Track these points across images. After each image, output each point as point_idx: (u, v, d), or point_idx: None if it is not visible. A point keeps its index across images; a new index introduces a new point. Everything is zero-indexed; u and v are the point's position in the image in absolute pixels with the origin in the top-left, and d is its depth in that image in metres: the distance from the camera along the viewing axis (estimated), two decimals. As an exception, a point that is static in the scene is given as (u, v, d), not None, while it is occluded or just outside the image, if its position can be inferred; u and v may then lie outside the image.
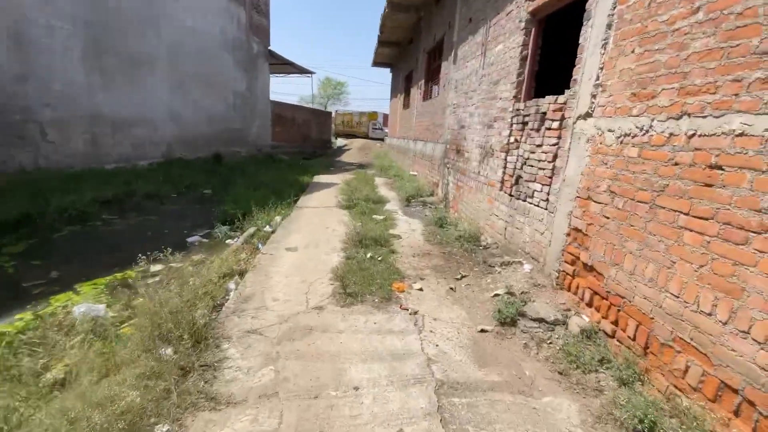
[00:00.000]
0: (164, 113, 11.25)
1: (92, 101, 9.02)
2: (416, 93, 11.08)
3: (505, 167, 4.52)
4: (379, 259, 4.11)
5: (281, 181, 9.58)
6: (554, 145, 3.47)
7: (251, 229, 5.24)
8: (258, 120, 15.73)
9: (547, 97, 3.64)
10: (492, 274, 3.79)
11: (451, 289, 3.51)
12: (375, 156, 19.32)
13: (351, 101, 66.15)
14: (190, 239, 5.12)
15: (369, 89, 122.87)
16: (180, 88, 11.68)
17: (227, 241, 5.13)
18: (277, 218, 5.96)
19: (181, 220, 6.15)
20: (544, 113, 3.67)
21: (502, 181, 4.56)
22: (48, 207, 5.72)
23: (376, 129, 32.35)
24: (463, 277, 3.76)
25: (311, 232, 5.24)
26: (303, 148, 19.45)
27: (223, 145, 13.90)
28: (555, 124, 3.47)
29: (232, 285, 3.46)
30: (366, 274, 3.60)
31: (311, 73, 20.02)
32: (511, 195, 4.32)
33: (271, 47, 15.98)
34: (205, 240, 5.18)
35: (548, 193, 3.54)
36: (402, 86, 14.54)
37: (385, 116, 34.24)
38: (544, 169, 3.62)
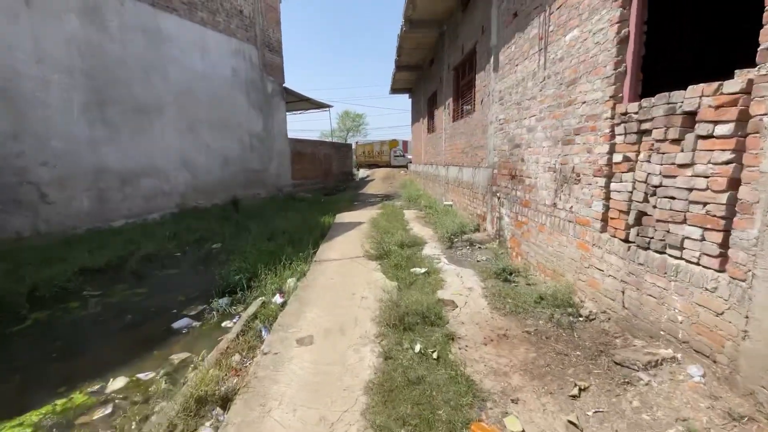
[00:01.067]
0: (175, 161, 10.59)
1: (96, 155, 8.39)
2: (443, 114, 9.89)
3: (607, 198, 3.06)
4: (434, 355, 2.69)
5: (300, 226, 8.46)
6: (728, 163, 2.03)
7: (255, 304, 3.97)
8: (276, 159, 15.04)
9: (695, 86, 2.23)
10: (631, 383, 2.26)
11: (572, 424, 2.02)
12: (400, 185, 18.16)
13: (371, 131, 66.88)
14: (177, 324, 3.92)
15: (389, 117, 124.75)
16: (191, 133, 11.07)
17: (224, 324, 3.88)
18: (291, 281, 4.69)
19: (177, 291, 5.01)
20: (691, 113, 2.26)
21: (605, 219, 3.10)
22: (20, 286, 4.75)
23: (397, 156, 31.49)
24: (582, 391, 2.26)
25: (333, 304, 3.90)
26: (325, 183, 18.62)
27: (241, 188, 13.15)
28: (726, 129, 2.03)
29: (207, 431, 2.14)
30: (421, 398, 2.19)
31: (328, 106, 19.49)
32: (628, 241, 2.84)
33: (286, 84, 15.52)
34: (196, 323, 3.96)
35: (726, 245, 2.06)
36: (425, 110, 13.46)
37: (405, 143, 33.47)
38: (706, 203, 2.16)
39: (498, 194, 5.74)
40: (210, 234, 8.40)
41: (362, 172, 26.07)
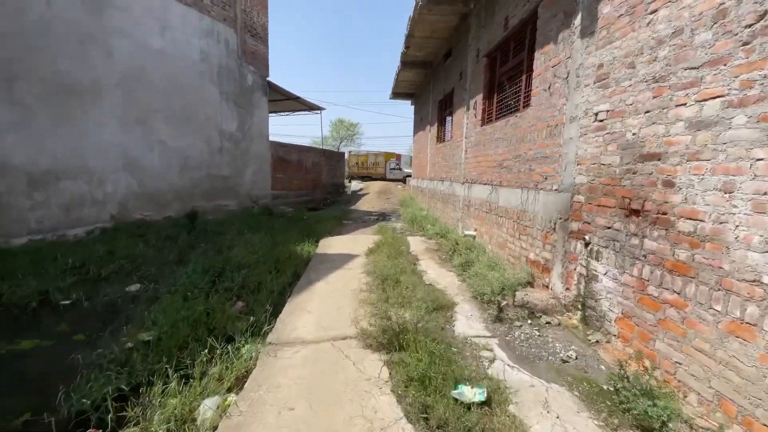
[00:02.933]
0: (114, 160, 8.10)
1: (-15, 146, 5.93)
2: (463, 118, 7.67)
3: None
4: None
5: (265, 257, 6.01)
6: None
7: None
8: (253, 165, 12.60)
9: None
10: None
11: None
12: (398, 202, 15.84)
13: (366, 141, 64.80)
14: None
15: (386, 127, 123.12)
16: (140, 126, 8.62)
17: None
18: (205, 408, 2.26)
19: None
20: None
21: None
22: None
23: (393, 169, 29.35)
24: None
25: None
26: (312, 196, 16.21)
27: (204, 198, 10.65)
28: None
29: None
30: None
31: (320, 109, 17.23)
32: None
33: (271, 78, 13.22)
34: None
35: None
36: (433, 115, 11.26)
37: (398, 156, 31.40)
38: None
39: (587, 237, 3.43)
40: (137, 264, 5.88)
41: (355, 185, 23.76)
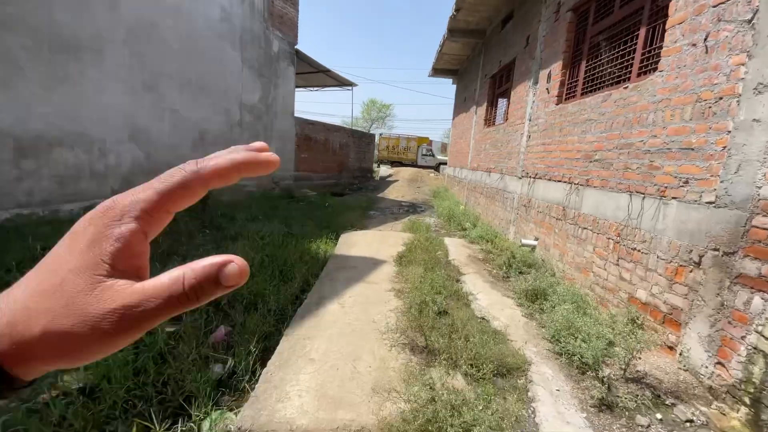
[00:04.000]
0: (118, 128, 7.18)
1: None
2: (528, 94, 6.11)
3: None
4: None
5: (273, 256, 4.85)
6: None
7: None
8: (276, 142, 11.50)
9: None
10: None
11: None
12: (431, 192, 14.37)
13: (398, 124, 62.60)
14: None
15: (420, 109, 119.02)
16: (149, 92, 7.63)
17: None
18: None
19: None
20: None
21: None
22: None
23: (426, 155, 27.66)
24: None
25: None
26: (338, 179, 15.03)
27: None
28: None
29: None
30: None
31: (352, 85, 15.83)
32: None
33: (300, 47, 11.94)
34: None
35: None
36: (483, 94, 9.62)
37: (430, 142, 29.63)
38: None
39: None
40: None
41: (383, 170, 22.37)
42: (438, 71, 14.38)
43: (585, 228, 4.05)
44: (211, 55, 8.94)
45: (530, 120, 5.96)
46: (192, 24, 8.37)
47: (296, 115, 12.60)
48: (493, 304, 3.81)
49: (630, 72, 3.67)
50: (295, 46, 11.73)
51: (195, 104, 8.70)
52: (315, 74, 14.47)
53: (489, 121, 9.12)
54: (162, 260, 4.82)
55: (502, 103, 8.43)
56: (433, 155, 27.54)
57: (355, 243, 6.08)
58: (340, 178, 15.34)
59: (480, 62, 10.21)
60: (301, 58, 12.31)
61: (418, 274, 4.31)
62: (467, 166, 10.77)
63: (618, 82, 3.86)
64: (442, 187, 14.42)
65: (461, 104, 13.06)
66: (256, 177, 10.62)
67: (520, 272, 4.71)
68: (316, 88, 17.12)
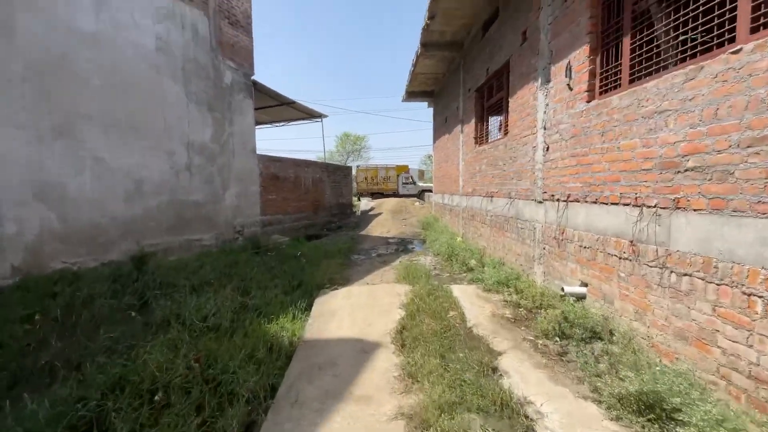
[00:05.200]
0: (18, 186, 5.49)
1: None
2: (536, 97, 4.87)
3: None
4: None
5: (212, 351, 3.16)
6: None
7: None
8: (236, 185, 9.91)
9: None
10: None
11: None
12: (421, 224, 12.92)
13: (374, 155, 62.05)
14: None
15: (393, 138, 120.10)
16: (62, 138, 6.02)
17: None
18: None
19: None
20: None
21: None
22: None
23: (407, 184, 26.57)
24: None
25: None
26: (314, 219, 13.42)
27: (169, 232, 7.94)
28: None
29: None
30: None
31: (321, 116, 14.62)
32: None
33: (257, 78, 10.67)
34: None
35: None
36: (469, 110, 8.48)
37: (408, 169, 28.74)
38: None
39: None
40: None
41: (364, 203, 20.96)
42: (412, 94, 13.40)
43: (686, 274, 2.60)
44: (146, 90, 7.46)
45: (545, 128, 4.66)
46: (117, 55, 6.92)
47: (262, 153, 11.14)
48: (573, 425, 2.23)
49: (730, 29, 2.36)
50: (252, 77, 10.45)
51: (126, 149, 7.10)
52: (279, 107, 13.20)
53: (480, 138, 7.88)
54: (40, 376, 3.11)
55: (494, 116, 7.23)
56: (414, 183, 26.48)
57: (334, 312, 4.42)
58: (316, 218, 13.74)
59: (460, 78, 9.15)
60: (260, 89, 11.02)
61: (432, 370, 2.71)
62: (458, 192, 9.43)
63: (703, 52, 2.56)
64: (430, 217, 13.03)
65: (441, 126, 11.96)
66: (212, 227, 8.92)
67: (582, 341, 3.18)
68: (282, 123, 15.83)
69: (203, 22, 8.80)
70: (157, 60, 7.69)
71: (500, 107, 6.76)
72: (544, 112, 4.68)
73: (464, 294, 4.93)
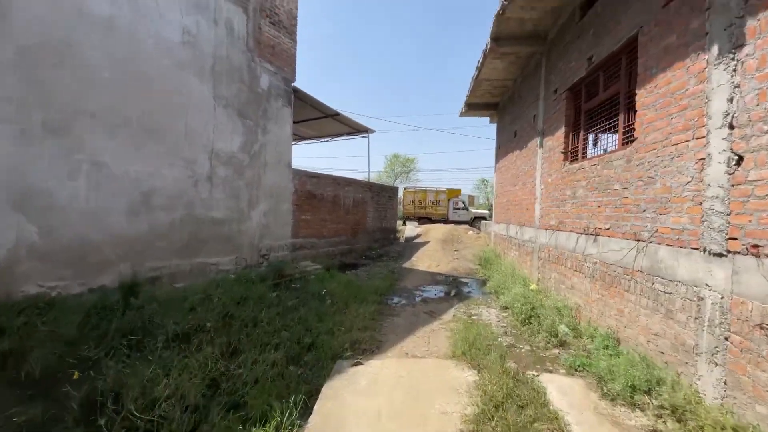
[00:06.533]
0: (-13, 192, 4.50)
1: None
2: (720, 74, 2.83)
3: None
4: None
5: None
6: None
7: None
8: (265, 202, 8.66)
9: None
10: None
11: None
12: (477, 258, 10.80)
13: (423, 177, 60.07)
14: None
15: (445, 159, 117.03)
16: (55, 137, 5.04)
17: None
18: None
19: None
20: None
21: None
22: None
23: (458, 209, 24.41)
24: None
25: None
26: (352, 244, 11.88)
27: (179, 254, 6.76)
28: None
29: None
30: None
31: (368, 131, 13.32)
32: None
33: (299, 84, 9.58)
34: None
35: None
36: (559, 114, 6.52)
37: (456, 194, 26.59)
38: None
39: None
40: None
41: (410, 229, 19.17)
42: (473, 107, 11.62)
43: None
44: (166, 88, 6.47)
45: (732, 126, 2.63)
46: (135, 46, 5.99)
47: (296, 167, 9.94)
48: None
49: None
50: (293, 83, 9.36)
51: (136, 154, 6.05)
52: (323, 120, 12.08)
53: (573, 153, 5.83)
54: None
55: (596, 125, 5.20)
56: (466, 208, 24.27)
57: (345, 424, 2.62)
58: (355, 243, 12.17)
59: (540, 78, 7.23)
60: (301, 98, 9.92)
61: None
62: (534, 224, 7.31)
63: None
64: (489, 251, 10.87)
65: (509, 142, 9.98)
66: (234, 249, 7.64)
67: None
68: (326, 138, 14.77)
69: (240, 18, 7.85)
70: (182, 55, 6.72)
71: (611, 108, 4.74)
72: (730, 99, 2.66)
73: (571, 402, 2.90)
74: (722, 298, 2.71)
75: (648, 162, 3.66)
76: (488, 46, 7.28)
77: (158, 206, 6.44)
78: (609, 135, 4.89)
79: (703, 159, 2.95)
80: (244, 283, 6.77)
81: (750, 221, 2.51)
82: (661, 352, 3.35)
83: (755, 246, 2.48)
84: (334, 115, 11.40)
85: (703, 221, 2.92)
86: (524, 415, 2.66)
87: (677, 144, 3.26)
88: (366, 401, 2.90)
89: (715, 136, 2.82)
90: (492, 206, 30.20)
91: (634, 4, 3.99)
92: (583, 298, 4.99)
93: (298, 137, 14.96)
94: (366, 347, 4.14)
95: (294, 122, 11.16)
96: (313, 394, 3.11)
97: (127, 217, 6.00)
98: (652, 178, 3.60)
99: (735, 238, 2.63)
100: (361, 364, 3.62)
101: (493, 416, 2.63)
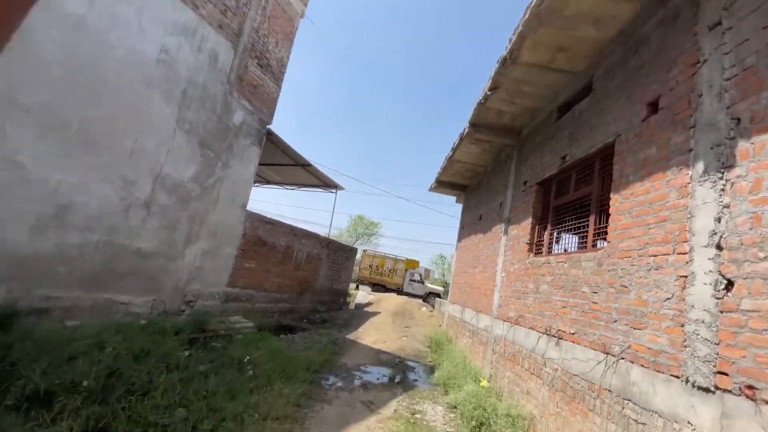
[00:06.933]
0: None
1: None
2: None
3: None
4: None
5: None
6: None
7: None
8: (206, 241, 7.73)
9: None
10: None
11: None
12: (428, 339, 10.07)
13: (383, 241, 60.17)
14: None
15: (409, 229, 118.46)
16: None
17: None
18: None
19: None
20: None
21: None
22: None
23: (414, 281, 23.92)
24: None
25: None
26: (295, 303, 10.80)
27: (81, 285, 5.59)
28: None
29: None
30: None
31: (337, 187, 13.07)
32: None
33: (273, 128, 9.31)
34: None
35: None
36: (526, 206, 6.56)
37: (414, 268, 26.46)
38: None
39: None
40: None
41: (361, 295, 18.22)
42: (442, 185, 11.84)
43: None
44: (123, 100, 5.87)
45: (720, 247, 2.46)
46: (102, 51, 5.50)
47: (257, 210, 9.25)
48: None
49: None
50: (268, 126, 9.08)
51: (65, 162, 5.22)
52: (293, 168, 11.73)
53: (538, 246, 5.71)
54: None
55: (565, 221, 5.16)
56: (422, 282, 23.84)
57: None
58: (299, 302, 11.10)
59: (509, 170, 7.44)
60: (274, 142, 9.60)
61: None
62: (491, 312, 6.93)
63: None
64: (441, 333, 10.22)
65: (473, 224, 10.00)
66: (154, 289, 6.50)
67: None
68: (292, 187, 14.31)
69: (227, 52, 7.69)
70: (153, 72, 6.27)
71: (582, 208, 4.72)
72: (718, 218, 2.54)
73: None
74: (716, 444, 2.29)
75: (621, 269, 3.47)
76: (466, 130, 7.50)
77: (73, 225, 5.45)
78: (577, 233, 4.81)
79: (685, 277, 2.75)
80: (153, 333, 5.59)
81: (744, 356, 2.21)
82: (633, 500, 2.80)
83: (750, 387, 2.15)
84: (305, 165, 11.10)
85: (686, 346, 2.62)
86: None
87: (655, 256, 3.09)
88: None
89: (700, 255, 2.64)
90: (447, 284, 30.05)
91: (613, 112, 4.15)
92: (540, 409, 4.44)
93: (263, 180, 14.39)
94: (281, 445, 3.23)
95: (261, 164, 10.70)
96: None
97: (31, 231, 4.98)
98: (625, 287, 3.37)
99: (725, 373, 2.31)
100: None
101: None
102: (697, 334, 2.55)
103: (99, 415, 3.02)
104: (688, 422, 2.47)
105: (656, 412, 2.74)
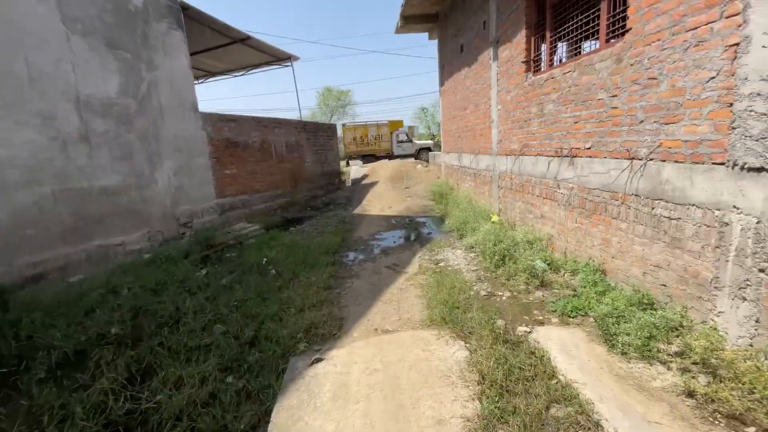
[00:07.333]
0: None
1: None
2: None
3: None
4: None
5: None
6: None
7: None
8: (172, 160, 6.98)
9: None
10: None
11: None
12: (431, 193, 10.18)
13: (359, 109, 57.07)
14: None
15: (378, 87, 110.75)
16: None
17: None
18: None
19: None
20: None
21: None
22: None
23: (402, 142, 23.42)
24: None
25: None
26: (293, 197, 10.61)
27: (62, 240, 5.20)
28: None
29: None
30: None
31: (290, 57, 11.28)
32: None
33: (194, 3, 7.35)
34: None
35: None
36: (518, 17, 5.52)
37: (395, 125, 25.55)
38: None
39: None
40: None
41: (355, 170, 17.95)
42: (410, 20, 10.11)
43: None
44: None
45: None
46: None
47: (213, 111, 8.08)
48: None
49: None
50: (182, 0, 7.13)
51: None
52: (231, 48, 9.86)
53: (536, 62, 4.99)
54: None
55: (567, 27, 4.31)
56: (410, 140, 23.34)
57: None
58: (296, 194, 10.90)
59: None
60: (194, 17, 7.72)
61: None
62: (491, 150, 6.64)
63: None
64: (442, 184, 10.27)
65: (454, 58, 8.87)
66: (142, 223, 6.12)
67: None
68: (241, 72, 12.42)
69: None
70: (-15, -46, 4.46)
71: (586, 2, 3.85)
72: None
73: (581, 365, 2.41)
74: (758, 222, 2.19)
75: (649, 59, 2.91)
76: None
77: (15, 184, 4.73)
78: (585, 34, 4.04)
79: (737, 45, 2.23)
80: (162, 264, 5.49)
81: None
82: (663, 285, 2.95)
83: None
84: (245, 39, 9.27)
85: (734, 128, 2.29)
86: (536, 399, 2.09)
87: (695, 28, 2.50)
88: (335, 426, 2.13)
89: (758, 11, 2.06)
90: (434, 136, 29.45)
91: None
92: (557, 228, 4.54)
93: (206, 72, 12.43)
94: (325, 331, 3.34)
95: (193, 53, 8.96)
96: (260, 423, 2.29)
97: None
98: (654, 79, 2.88)
99: (788, 146, 2.03)
100: (322, 360, 2.82)
101: (500, 414, 2.02)
102: (751, 111, 2.18)
103: (138, 357, 3.01)
104: (734, 207, 2.33)
105: (693, 205, 2.62)
